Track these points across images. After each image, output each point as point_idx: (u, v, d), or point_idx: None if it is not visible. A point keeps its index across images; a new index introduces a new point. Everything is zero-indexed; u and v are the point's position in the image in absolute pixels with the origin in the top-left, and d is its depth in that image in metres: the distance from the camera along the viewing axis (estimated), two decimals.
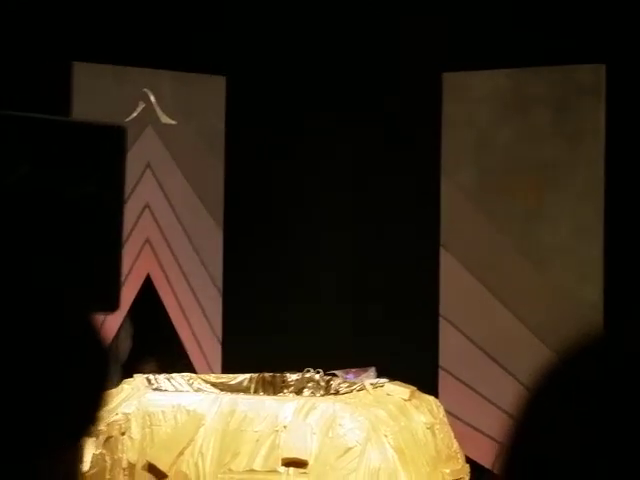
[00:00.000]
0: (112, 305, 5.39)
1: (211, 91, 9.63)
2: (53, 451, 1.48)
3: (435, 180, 9.17)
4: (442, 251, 9.09)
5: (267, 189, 9.65)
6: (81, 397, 1.51)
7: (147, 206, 9.33)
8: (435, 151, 9.16)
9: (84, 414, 1.52)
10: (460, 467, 6.65)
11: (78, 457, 1.56)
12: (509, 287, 8.87)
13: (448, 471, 6.51)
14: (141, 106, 9.48)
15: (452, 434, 6.82)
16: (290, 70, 9.63)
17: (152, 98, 9.51)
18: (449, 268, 9.04)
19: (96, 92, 9.15)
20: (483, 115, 9.16)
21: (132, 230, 9.14)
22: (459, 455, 6.74)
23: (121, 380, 6.76)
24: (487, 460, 8.49)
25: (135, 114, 9.43)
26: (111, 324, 8.63)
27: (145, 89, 9.47)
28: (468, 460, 6.77)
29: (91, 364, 1.54)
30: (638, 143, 8.71)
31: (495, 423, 8.60)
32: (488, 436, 8.58)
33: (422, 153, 9.24)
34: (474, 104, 9.18)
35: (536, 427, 1.12)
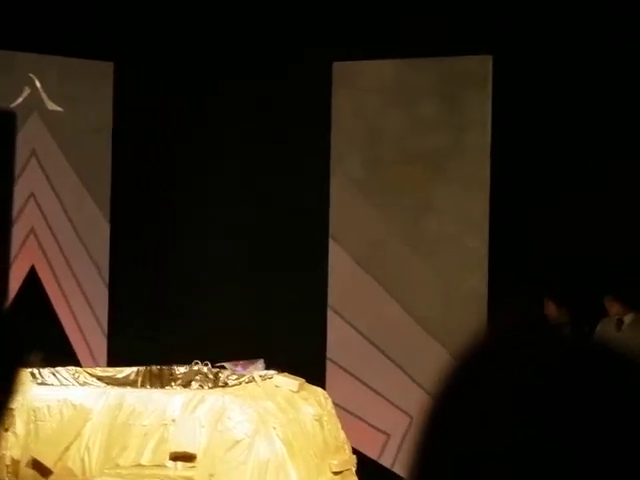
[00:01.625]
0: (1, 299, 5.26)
1: (99, 77, 9.48)
2: None
3: (325, 171, 9.19)
4: (331, 242, 9.13)
5: (155, 178, 9.56)
6: None
7: (32, 195, 9.16)
8: (324, 141, 9.18)
9: None
10: (347, 458, 6.71)
11: None
12: (397, 278, 8.94)
13: (336, 462, 6.56)
14: (26, 92, 9.30)
15: (339, 425, 6.87)
16: (179, 56, 9.53)
17: (38, 84, 9.33)
18: (338, 259, 9.08)
19: None
20: (371, 105, 9.21)
21: (16, 219, 8.97)
22: (346, 446, 6.80)
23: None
24: (373, 451, 8.57)
25: (20, 100, 9.24)
26: None
27: (31, 74, 9.29)
28: (355, 451, 6.83)
29: None
30: (523, 134, 8.85)
31: (381, 414, 8.68)
32: (374, 427, 8.66)
33: (311, 143, 9.25)
34: (362, 94, 9.22)
35: (441, 429, 1.14)
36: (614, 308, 8.15)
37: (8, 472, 6.10)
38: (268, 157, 9.40)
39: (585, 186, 8.55)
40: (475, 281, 8.77)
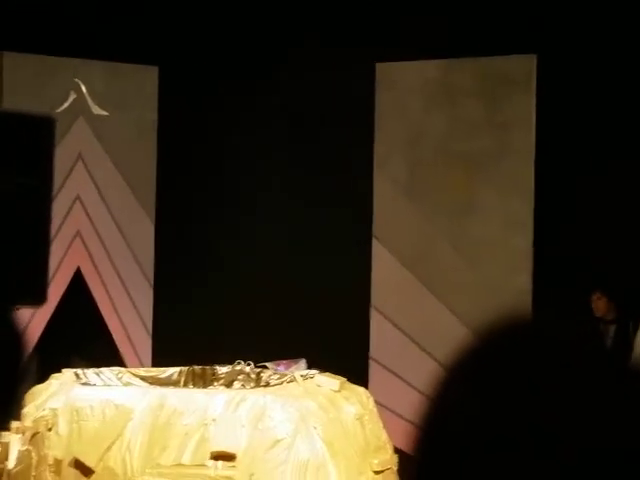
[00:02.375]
0: (39, 298, 5.32)
1: (143, 81, 9.56)
2: None
3: (368, 172, 9.19)
4: (374, 242, 9.12)
5: (199, 181, 9.62)
6: None
7: (78, 198, 9.26)
8: (368, 142, 9.18)
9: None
10: (389, 457, 6.68)
11: None
12: (440, 278, 8.91)
13: (377, 461, 6.54)
14: (72, 97, 9.39)
15: (381, 424, 6.84)
16: (222, 60, 9.59)
17: (83, 88, 9.42)
18: (381, 259, 9.07)
19: (26, 83, 9.05)
20: (414, 106, 9.19)
21: (62, 223, 9.06)
22: (388, 445, 6.77)
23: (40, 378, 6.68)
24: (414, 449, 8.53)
25: (66, 105, 9.34)
26: (39, 322, 8.56)
27: (76, 79, 9.38)
28: (397, 450, 6.80)
29: (9, 359, 1.53)
30: (567, 134, 8.79)
31: None
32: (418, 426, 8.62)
33: (355, 144, 9.25)
34: (405, 95, 9.20)
35: (450, 406, 1.14)
36: None
37: (51, 471, 6.15)
38: (312, 157, 9.42)
39: (632, 184, 8.47)
40: (520, 281, 8.72)
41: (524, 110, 8.92)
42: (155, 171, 9.51)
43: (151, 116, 9.55)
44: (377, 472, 6.49)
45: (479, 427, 1.10)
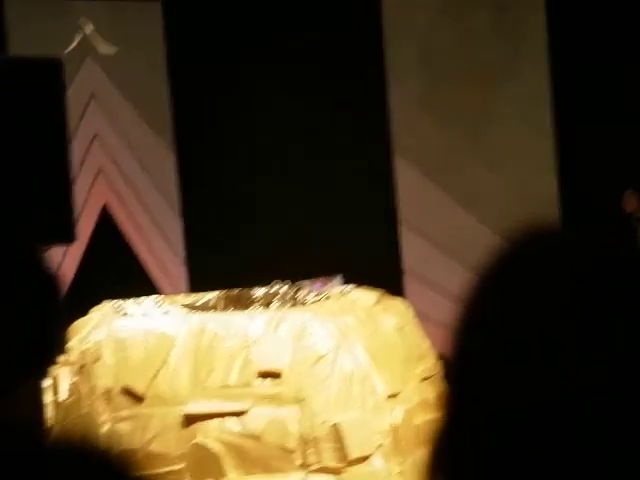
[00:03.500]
0: (68, 236, 5.32)
1: (148, 17, 9.51)
2: (9, 385, 1.48)
3: (381, 90, 9.14)
4: (397, 157, 9.10)
5: (214, 107, 9.58)
6: (32, 332, 1.51)
7: (96, 136, 9.24)
8: (380, 60, 9.12)
9: (37, 349, 1.52)
10: (432, 364, 6.72)
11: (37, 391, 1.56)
12: (465, 188, 8.91)
13: (421, 369, 6.58)
14: (78, 37, 9.34)
15: (422, 333, 6.88)
16: None
17: (89, 27, 9.36)
18: (405, 173, 9.06)
19: (31, 26, 8.99)
20: (423, 21, 9.12)
21: (83, 161, 9.06)
22: (431, 353, 6.81)
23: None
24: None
25: (73, 45, 9.28)
26: (71, 259, 8.59)
27: (81, 20, 9.32)
28: (440, 357, 6.84)
29: (46, 299, 1.54)
30: (580, 36, 8.72)
31: None
32: None
33: (368, 62, 9.19)
34: (414, 10, 9.13)
35: (484, 309, 1.14)
36: None
37: (102, 401, 6.21)
38: (325, 81, 9.36)
39: None
40: (545, 184, 8.71)
41: (534, 17, 8.85)
42: (169, 102, 9.49)
43: (159, 50, 9.51)
44: (423, 379, 6.54)
45: (511, 331, 1.09)
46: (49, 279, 1.56)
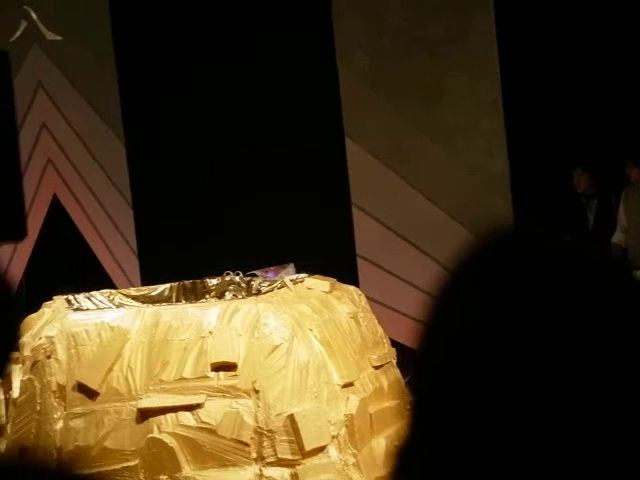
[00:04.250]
0: (19, 234, 5.25)
1: (94, 3, 9.40)
2: None
3: (332, 68, 9.10)
4: (347, 140, 9.07)
5: (164, 96, 9.50)
6: None
7: (44, 126, 9.15)
8: (329, 38, 9.08)
9: None
10: (387, 351, 6.74)
11: None
12: (418, 169, 8.90)
13: (375, 357, 6.59)
14: (23, 25, 9.21)
15: (375, 320, 6.89)
16: None
17: (34, 15, 9.24)
18: (356, 156, 9.04)
19: None
20: None
21: (32, 152, 8.97)
22: (385, 340, 6.83)
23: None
24: (411, 340, 8.61)
25: (18, 33, 9.16)
26: (22, 254, 8.51)
27: (25, 7, 9.20)
28: (394, 343, 6.86)
29: None
30: (527, 13, 8.72)
31: (416, 304, 8.71)
32: (410, 317, 8.70)
33: (316, 40, 9.14)
34: None
35: (454, 306, 1.14)
36: (634, 173, 8.10)
37: (55, 397, 6.17)
38: (275, 63, 9.31)
39: (604, 53, 8.44)
40: (497, 162, 8.72)
41: None
42: (118, 91, 9.39)
43: (106, 37, 9.41)
44: (377, 367, 6.56)
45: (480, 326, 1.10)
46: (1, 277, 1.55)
